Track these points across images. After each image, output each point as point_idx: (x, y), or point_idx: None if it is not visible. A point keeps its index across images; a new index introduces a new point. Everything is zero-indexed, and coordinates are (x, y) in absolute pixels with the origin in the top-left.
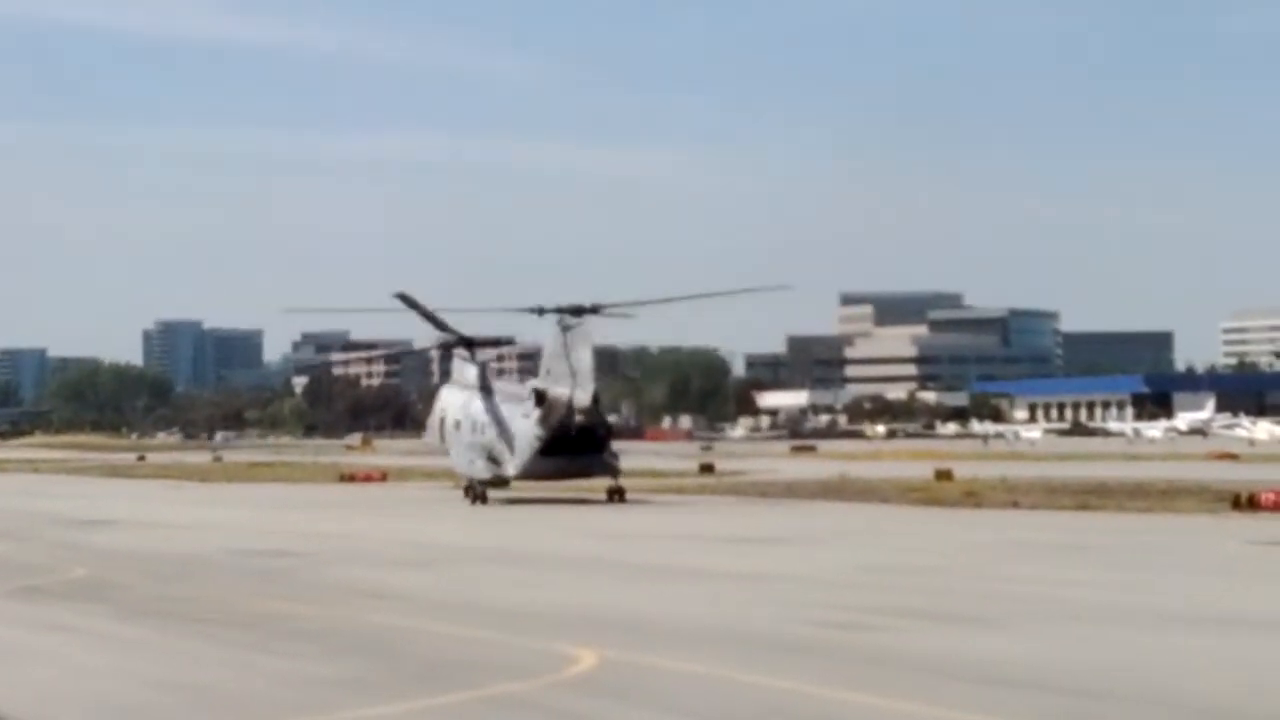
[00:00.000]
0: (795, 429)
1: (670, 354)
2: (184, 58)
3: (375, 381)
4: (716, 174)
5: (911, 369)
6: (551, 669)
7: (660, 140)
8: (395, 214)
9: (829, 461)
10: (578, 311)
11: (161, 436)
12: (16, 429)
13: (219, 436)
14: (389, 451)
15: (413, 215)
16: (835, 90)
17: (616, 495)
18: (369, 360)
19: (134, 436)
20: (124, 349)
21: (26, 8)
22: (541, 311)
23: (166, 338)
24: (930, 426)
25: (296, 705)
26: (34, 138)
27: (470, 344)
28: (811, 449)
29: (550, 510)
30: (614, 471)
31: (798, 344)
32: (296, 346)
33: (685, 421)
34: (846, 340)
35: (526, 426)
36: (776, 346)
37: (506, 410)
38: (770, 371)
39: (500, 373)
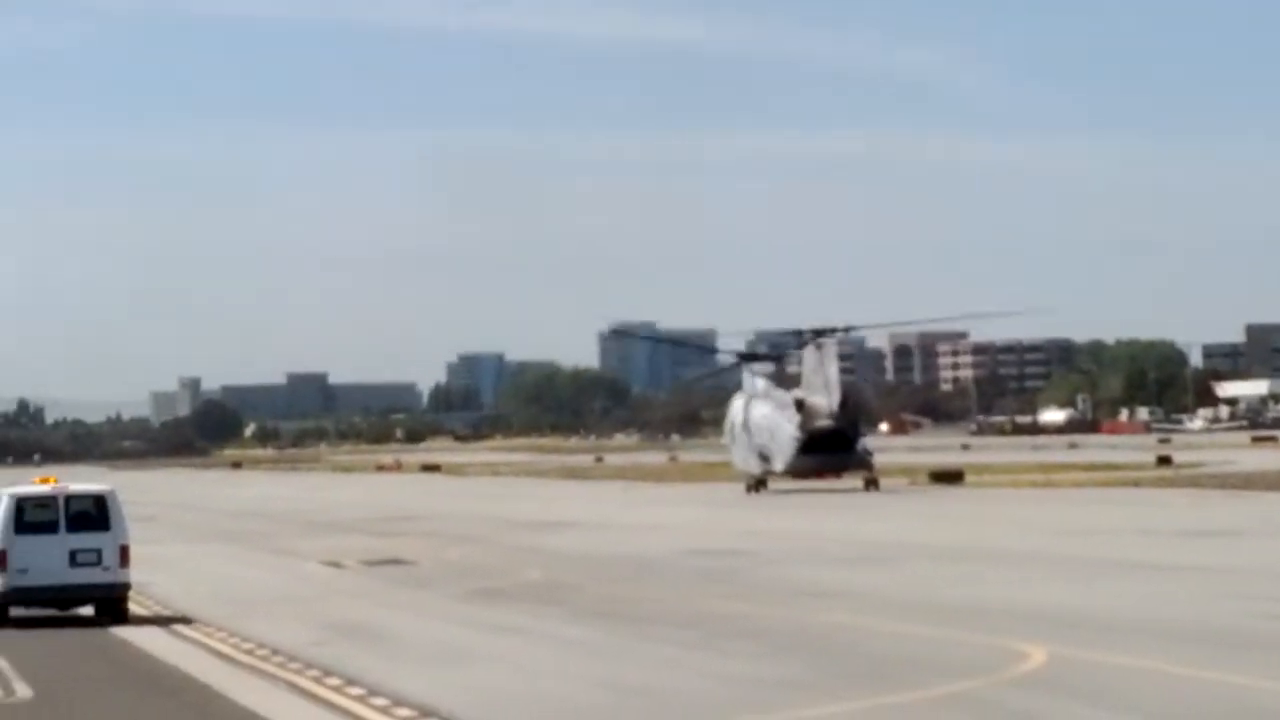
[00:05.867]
0: (1256, 419)
1: (1126, 346)
2: (593, 61)
3: None
4: (1169, 165)
5: None
6: (1000, 666)
7: (1106, 130)
8: (828, 209)
9: None
10: (822, 333)
11: (619, 438)
12: (476, 432)
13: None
14: None
15: (834, 210)
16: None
17: (872, 485)
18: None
19: (591, 438)
20: (580, 352)
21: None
22: (799, 334)
23: (622, 339)
24: None
25: (741, 705)
26: (498, 149)
27: (755, 359)
28: (1273, 439)
29: (987, 505)
30: (867, 466)
31: (1257, 332)
32: (750, 345)
33: (1142, 414)
34: None
35: (789, 430)
36: (1235, 336)
37: (776, 416)
38: (1229, 361)
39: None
